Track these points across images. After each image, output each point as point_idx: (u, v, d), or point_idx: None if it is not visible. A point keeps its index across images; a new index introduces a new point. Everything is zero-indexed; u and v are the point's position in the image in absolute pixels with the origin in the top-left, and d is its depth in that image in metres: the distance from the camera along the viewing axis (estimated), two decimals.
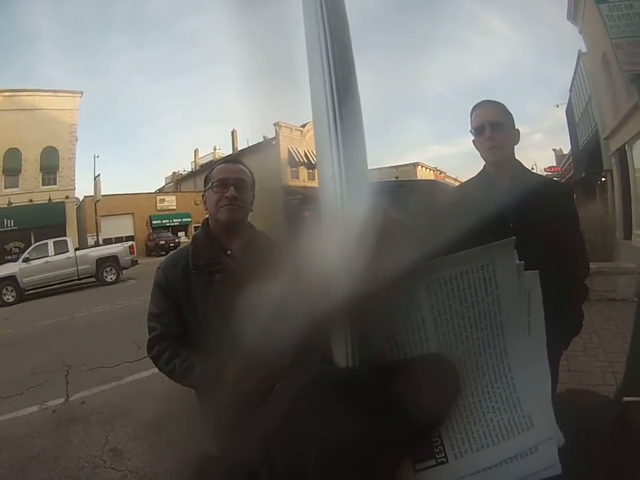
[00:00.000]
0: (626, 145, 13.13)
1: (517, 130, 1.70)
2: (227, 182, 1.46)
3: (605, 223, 6.81)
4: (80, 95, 26.68)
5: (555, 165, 29.39)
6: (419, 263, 0.30)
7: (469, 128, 1.73)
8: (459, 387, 0.32)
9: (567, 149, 27.61)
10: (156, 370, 1.55)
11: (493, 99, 1.72)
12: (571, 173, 22.40)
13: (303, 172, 34.41)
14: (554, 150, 33.39)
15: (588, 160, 17.76)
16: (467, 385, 0.32)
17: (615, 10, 2.55)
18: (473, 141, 1.73)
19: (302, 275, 0.30)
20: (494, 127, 1.63)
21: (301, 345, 0.31)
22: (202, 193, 1.57)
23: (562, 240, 1.58)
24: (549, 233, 1.51)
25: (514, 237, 0.32)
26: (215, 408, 1.48)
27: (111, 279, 14.76)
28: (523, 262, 0.33)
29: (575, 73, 18.74)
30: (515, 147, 1.70)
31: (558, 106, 24.07)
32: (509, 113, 1.69)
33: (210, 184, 1.49)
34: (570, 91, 20.77)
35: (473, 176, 1.77)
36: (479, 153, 1.71)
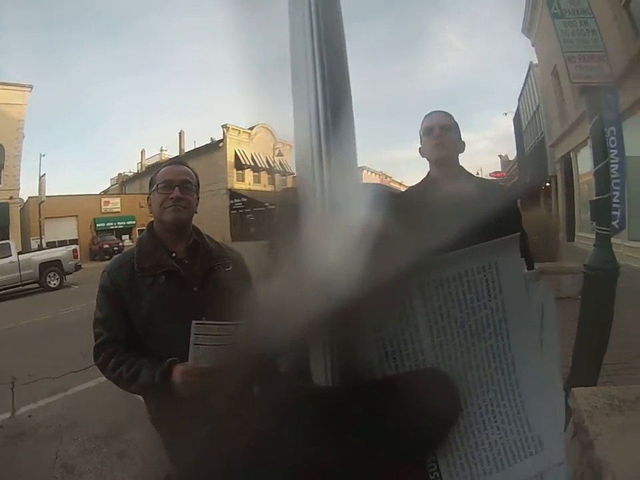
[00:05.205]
0: (571, 153, 13.87)
1: (463, 142, 1.80)
2: (171, 183, 1.46)
3: (548, 226, 7.17)
4: (30, 89, 24.99)
5: (500, 170, 30.63)
6: (410, 263, 0.27)
7: (417, 134, 1.82)
8: (459, 407, 0.28)
9: (512, 155, 29.00)
10: (102, 379, 1.50)
11: (442, 109, 1.81)
12: (516, 178, 23.44)
13: (249, 175, 34.50)
14: (500, 156, 34.90)
15: (533, 166, 18.70)
16: (468, 402, 0.29)
17: (569, 26, 2.71)
18: (420, 149, 1.81)
19: (282, 280, 0.27)
20: (442, 128, 1.73)
21: (275, 354, 0.27)
22: (147, 196, 1.56)
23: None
24: (493, 233, 1.56)
25: (518, 234, 0.30)
26: (164, 414, 1.44)
27: (55, 284, 14.01)
28: (536, 270, 0.30)
29: (524, 83, 19.60)
30: (461, 154, 1.79)
31: (506, 114, 25.18)
32: (457, 124, 1.79)
33: (155, 186, 1.48)
34: (519, 100, 21.75)
35: (418, 182, 1.82)
36: (424, 160, 1.79)
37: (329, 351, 0.24)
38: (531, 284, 0.29)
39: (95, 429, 3.48)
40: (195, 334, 1.27)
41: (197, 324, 1.27)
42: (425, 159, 1.79)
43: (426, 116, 1.80)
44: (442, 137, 1.73)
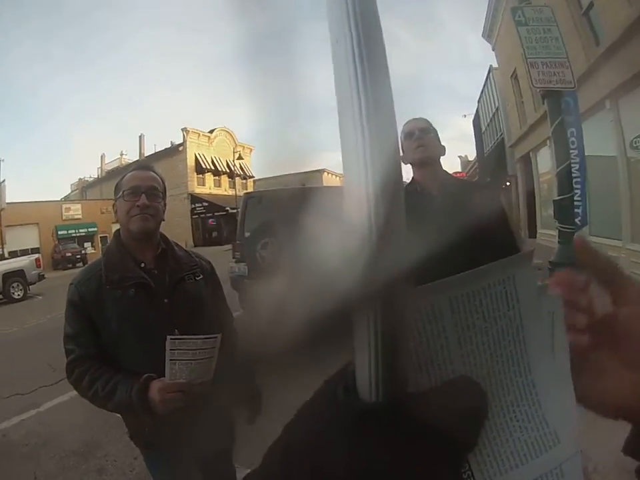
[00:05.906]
0: (531, 153, 14.39)
1: (443, 145, 1.87)
2: (138, 190, 1.40)
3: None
4: None
5: (460, 170, 31.25)
6: (442, 279, 0.29)
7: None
8: (487, 410, 0.30)
9: (472, 156, 29.71)
10: (75, 392, 1.44)
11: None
12: (476, 178, 23.96)
13: (210, 179, 34.15)
14: (459, 157, 35.63)
15: (493, 166, 19.15)
16: (492, 405, 0.31)
17: (533, 33, 2.86)
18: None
19: (314, 285, 0.27)
20: (423, 131, 1.80)
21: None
22: (113, 202, 1.49)
23: (493, 237, 1.65)
24: (480, 232, 1.60)
25: (533, 249, 0.32)
26: (143, 430, 1.42)
27: (19, 295, 13.32)
28: (547, 283, 0.33)
29: (484, 85, 20.15)
30: (442, 157, 1.85)
31: (465, 116, 25.85)
32: (436, 129, 1.86)
33: (121, 192, 1.42)
34: (478, 102, 22.32)
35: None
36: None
37: (374, 367, 0.24)
38: (542, 295, 0.33)
39: (72, 445, 3.35)
40: (171, 349, 1.24)
41: (171, 339, 1.24)
42: (408, 164, 1.82)
43: (405, 123, 1.86)
44: (423, 138, 1.78)
